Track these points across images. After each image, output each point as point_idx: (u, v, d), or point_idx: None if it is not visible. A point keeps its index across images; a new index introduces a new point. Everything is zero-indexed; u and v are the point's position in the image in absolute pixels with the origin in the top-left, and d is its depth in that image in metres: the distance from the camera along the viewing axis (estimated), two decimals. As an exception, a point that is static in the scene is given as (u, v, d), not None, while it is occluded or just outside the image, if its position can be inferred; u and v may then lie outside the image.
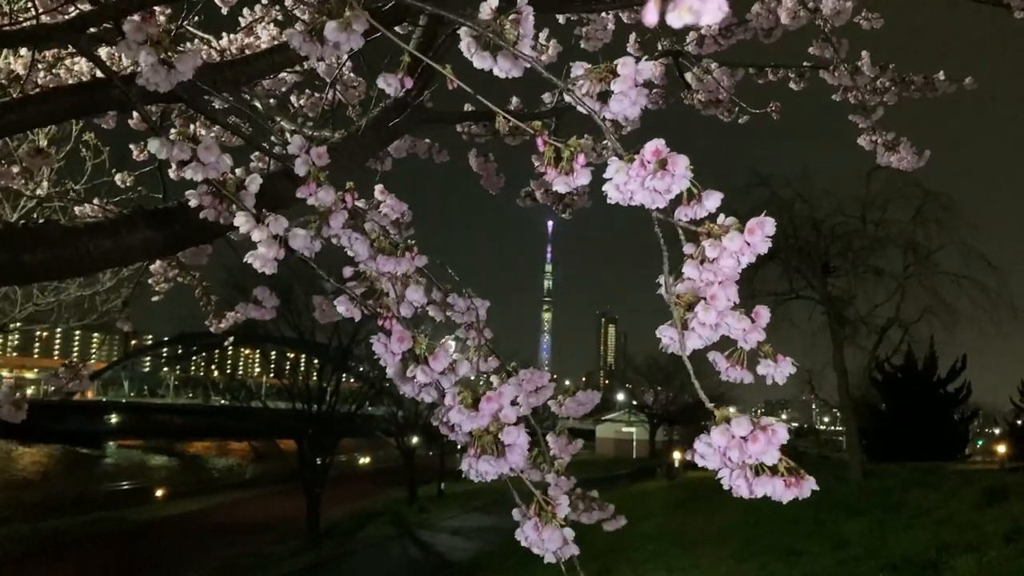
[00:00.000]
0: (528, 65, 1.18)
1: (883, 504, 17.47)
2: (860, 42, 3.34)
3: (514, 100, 3.45)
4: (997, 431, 57.47)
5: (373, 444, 46.15)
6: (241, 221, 1.32)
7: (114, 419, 75.89)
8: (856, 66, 3.26)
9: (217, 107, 2.90)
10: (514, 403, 1.80)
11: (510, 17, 1.20)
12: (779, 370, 1.17)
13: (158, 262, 3.05)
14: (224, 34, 3.43)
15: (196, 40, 3.39)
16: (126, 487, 39.48)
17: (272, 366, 36.40)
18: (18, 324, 8.58)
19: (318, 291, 1.72)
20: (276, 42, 3.17)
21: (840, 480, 22.91)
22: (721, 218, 1.12)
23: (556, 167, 1.13)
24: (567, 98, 1.16)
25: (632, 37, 3.56)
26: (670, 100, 3.69)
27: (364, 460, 50.82)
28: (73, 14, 1.93)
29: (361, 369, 30.80)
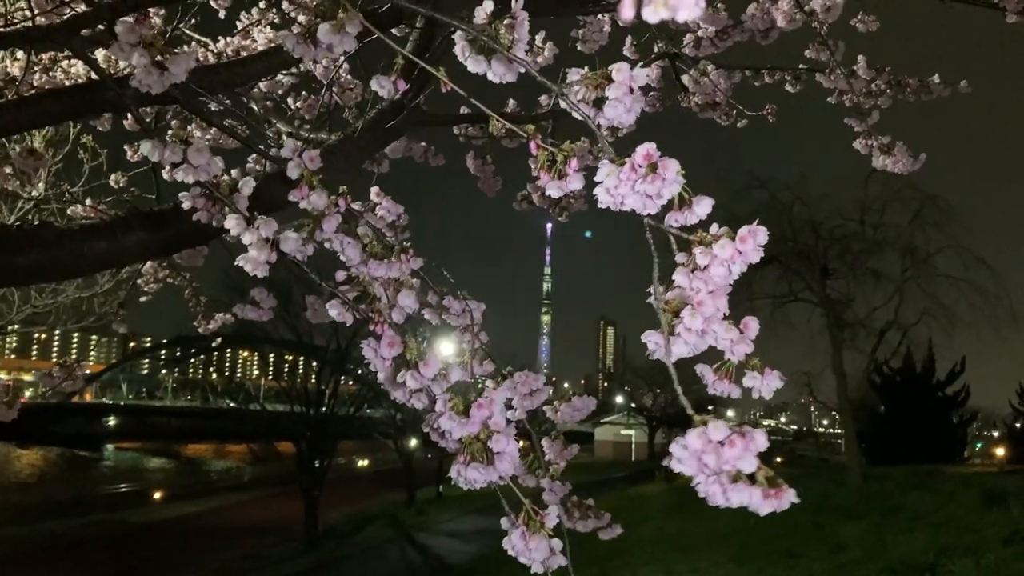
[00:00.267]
0: (522, 70, 1.18)
1: (881, 507, 17.46)
2: (856, 45, 3.35)
3: (511, 103, 3.45)
4: (996, 434, 57.49)
5: (372, 447, 46.12)
6: (232, 224, 1.32)
7: (112, 421, 75.88)
8: (852, 69, 3.26)
9: (213, 109, 2.91)
10: (509, 407, 1.80)
11: (505, 21, 1.20)
12: (766, 384, 1.16)
13: (149, 263, 3.05)
14: (220, 37, 3.43)
15: (192, 43, 3.40)
16: (124, 489, 39.46)
17: (270, 368, 36.38)
18: (16, 326, 8.55)
19: (315, 293, 1.72)
20: (272, 44, 3.17)
21: (839, 483, 22.90)
22: (715, 227, 1.11)
23: (549, 171, 1.12)
24: (562, 102, 1.16)
25: (628, 40, 3.57)
26: (667, 103, 3.69)
27: (363, 463, 50.80)
28: (67, 16, 1.93)
29: (359, 372, 30.76)
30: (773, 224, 26.47)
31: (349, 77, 3.22)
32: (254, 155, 3.01)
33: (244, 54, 3.39)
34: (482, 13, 1.19)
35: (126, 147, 3.37)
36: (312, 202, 1.35)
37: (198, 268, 2.88)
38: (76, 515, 29.02)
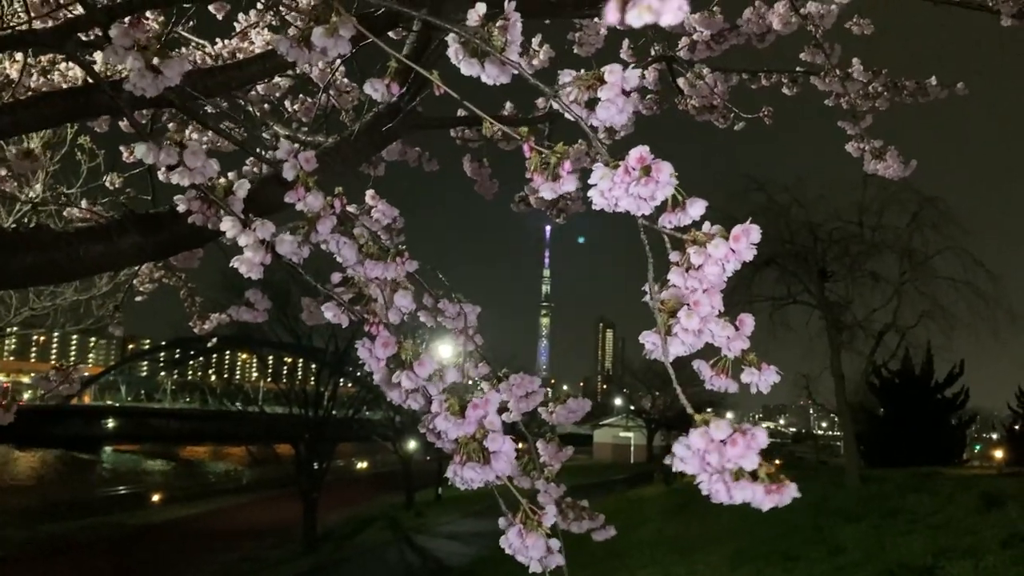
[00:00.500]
0: (516, 72, 1.18)
1: (880, 509, 17.46)
2: (853, 48, 3.35)
3: (508, 105, 3.46)
4: (995, 436, 57.55)
5: (371, 449, 46.10)
6: (228, 226, 1.32)
7: (111, 424, 75.91)
8: (847, 72, 3.27)
9: (210, 111, 2.91)
10: (504, 410, 1.80)
11: (498, 24, 1.20)
12: (763, 379, 1.17)
13: (145, 264, 3.05)
14: (218, 39, 3.43)
15: (191, 45, 3.40)
16: (122, 492, 39.46)
17: (269, 371, 36.39)
18: (15, 329, 8.55)
19: (311, 295, 1.72)
20: (269, 47, 3.18)
21: (837, 485, 22.90)
22: (707, 226, 1.12)
23: (543, 174, 1.13)
24: (555, 104, 1.16)
25: (625, 43, 3.57)
26: (664, 106, 3.70)
27: (362, 465, 50.78)
28: (61, 20, 1.93)
29: (358, 374, 30.75)
30: (771, 226, 26.51)
31: (346, 80, 3.22)
32: (251, 158, 3.02)
33: (241, 56, 3.40)
34: (475, 16, 1.20)
35: (123, 148, 3.37)
36: (308, 204, 1.35)
37: (195, 269, 2.88)
38: (74, 517, 29.01)
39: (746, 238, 1.08)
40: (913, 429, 31.10)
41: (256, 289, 1.84)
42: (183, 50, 3.42)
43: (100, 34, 1.34)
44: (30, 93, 2.84)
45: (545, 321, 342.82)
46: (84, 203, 3.49)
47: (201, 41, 3.41)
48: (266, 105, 3.40)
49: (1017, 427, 35.76)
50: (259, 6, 3.44)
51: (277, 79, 3.38)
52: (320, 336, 28.36)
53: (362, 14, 2.12)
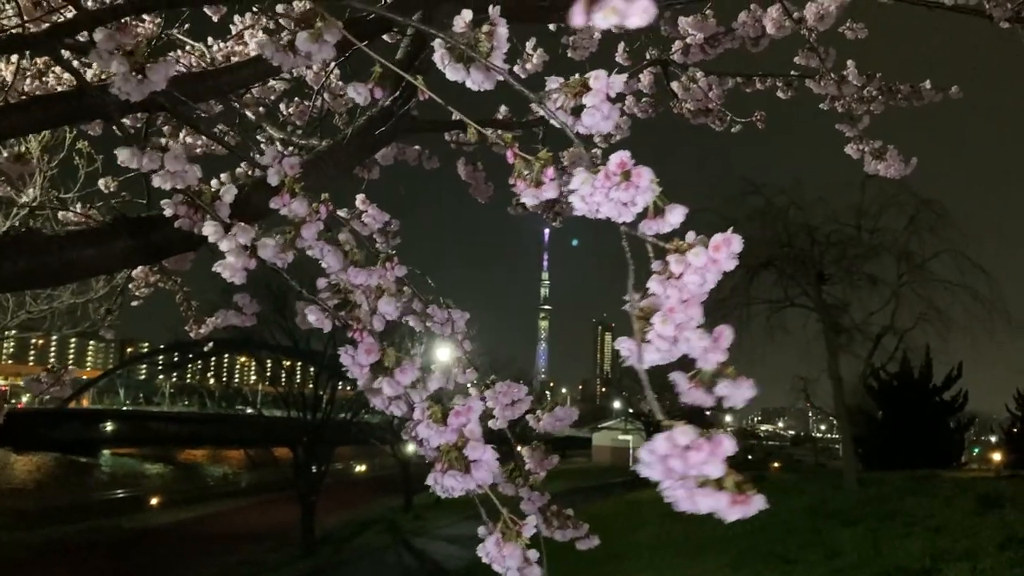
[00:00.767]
0: (500, 78, 1.18)
1: (878, 512, 17.46)
2: (849, 51, 3.35)
3: (503, 109, 3.46)
4: (994, 439, 57.52)
5: (369, 452, 46.09)
6: (210, 231, 1.32)
7: (109, 427, 75.78)
8: (842, 75, 3.27)
9: (205, 115, 2.91)
10: (490, 417, 1.80)
11: (484, 29, 1.20)
12: (738, 392, 1.15)
13: (139, 267, 3.05)
14: (214, 42, 3.43)
15: (187, 47, 3.40)
16: (121, 495, 39.40)
17: (267, 374, 36.35)
18: (13, 332, 8.55)
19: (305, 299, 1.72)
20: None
21: (835, 488, 22.90)
22: (691, 235, 1.11)
23: (526, 180, 1.13)
24: (540, 110, 1.16)
25: (620, 46, 3.57)
26: (659, 109, 3.70)
27: (360, 468, 50.77)
28: (49, 24, 1.93)
29: (357, 377, 30.64)
30: (768, 229, 26.59)
31: (340, 83, 3.22)
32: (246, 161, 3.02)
33: (236, 59, 3.39)
34: (461, 22, 1.20)
35: (117, 151, 3.36)
36: (293, 209, 1.35)
37: (192, 272, 2.88)
38: (73, 521, 28.97)
39: (727, 248, 1.07)
40: (911, 432, 31.09)
41: (245, 293, 1.84)
42: (177, 52, 3.42)
43: (87, 38, 1.34)
44: (23, 96, 2.84)
45: (544, 324, 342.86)
46: (79, 207, 3.49)
47: (196, 44, 3.41)
48: (261, 108, 3.40)
49: (1015, 430, 35.75)
50: (255, 9, 3.44)
51: (272, 82, 3.38)
52: (318, 339, 28.36)
53: (354, 18, 2.12)
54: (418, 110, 2.74)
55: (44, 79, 3.07)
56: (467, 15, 1.20)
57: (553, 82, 1.17)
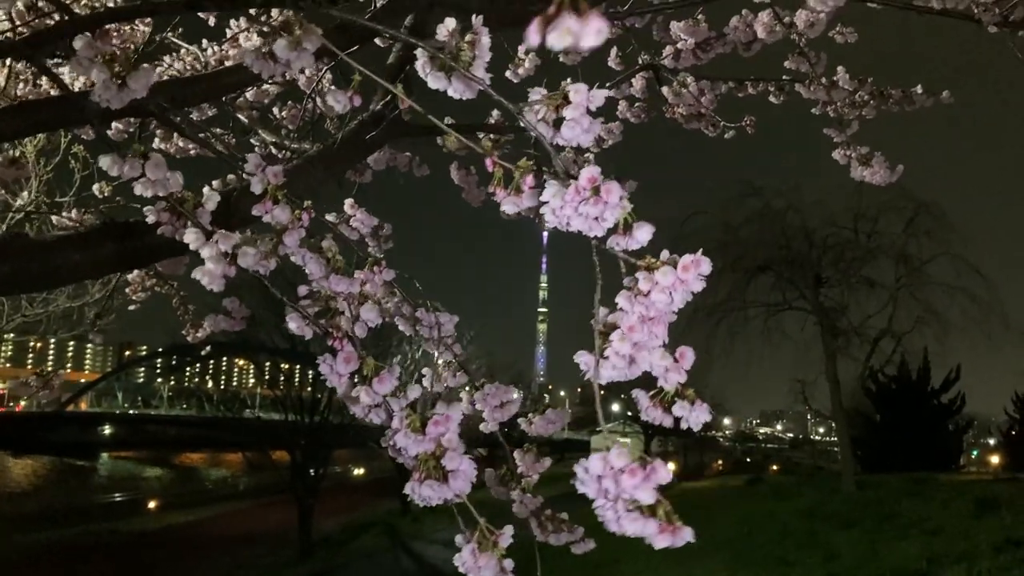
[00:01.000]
0: (481, 87, 1.19)
1: (875, 515, 17.46)
2: (843, 55, 3.36)
3: (495, 113, 3.46)
4: (992, 442, 57.54)
5: (367, 455, 46.06)
6: (191, 238, 1.32)
7: (107, 430, 75.57)
8: (832, 80, 3.28)
9: (197, 119, 2.92)
10: (481, 420, 1.80)
11: (467, 38, 1.20)
12: (695, 415, 1.16)
13: (135, 272, 3.05)
14: (208, 45, 3.43)
15: (182, 51, 3.41)
16: (119, 498, 39.35)
17: (266, 377, 36.36)
18: (11, 335, 8.56)
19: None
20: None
21: (833, 491, 22.88)
22: (665, 253, 1.11)
23: (505, 188, 1.13)
24: (520, 121, 1.16)
25: (614, 51, 3.58)
26: (652, 114, 3.71)
27: (358, 471, 50.73)
28: (30, 31, 1.94)
29: (354, 380, 30.60)
30: (767, 232, 26.59)
31: (333, 87, 3.23)
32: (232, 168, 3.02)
33: (230, 63, 3.40)
34: (444, 30, 1.20)
35: (99, 159, 3.35)
36: (275, 216, 1.35)
37: (188, 276, 2.88)
38: (71, 524, 28.97)
39: (695, 269, 1.07)
40: (910, 434, 31.06)
41: (234, 298, 1.85)
42: (173, 56, 3.43)
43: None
44: (15, 101, 2.85)
45: (542, 327, 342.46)
46: (74, 212, 3.49)
47: (191, 47, 3.42)
48: (254, 112, 3.40)
49: (1014, 432, 35.75)
50: (251, 11, 3.44)
51: (266, 86, 3.38)
52: (317, 343, 28.32)
53: (343, 24, 2.12)
54: (410, 114, 2.75)
55: (38, 83, 3.08)
56: (451, 23, 1.21)
57: (535, 93, 1.17)
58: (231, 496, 41.04)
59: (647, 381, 1.16)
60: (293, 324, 1.40)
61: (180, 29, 3.41)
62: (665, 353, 1.10)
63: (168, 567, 22.97)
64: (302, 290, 1.45)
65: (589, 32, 0.70)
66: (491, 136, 3.06)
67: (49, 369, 2.56)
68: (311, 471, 27.26)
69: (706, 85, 3.49)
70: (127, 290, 3.34)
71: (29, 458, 58.14)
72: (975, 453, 55.00)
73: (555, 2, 0.71)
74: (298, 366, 34.37)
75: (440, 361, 1.86)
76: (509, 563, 1.22)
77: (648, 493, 0.93)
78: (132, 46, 2.88)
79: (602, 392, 1.11)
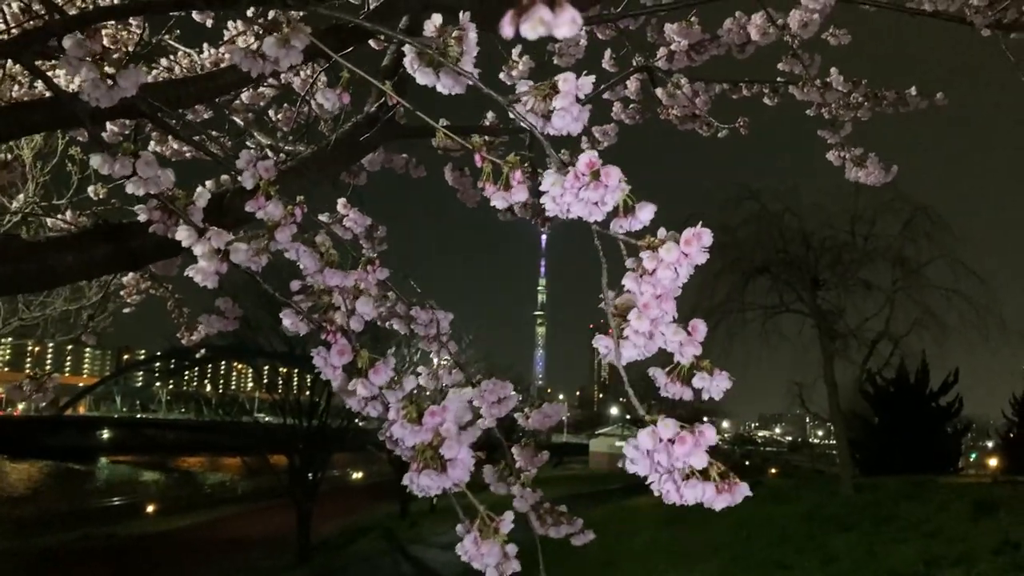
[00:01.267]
0: (469, 83, 1.19)
1: (873, 518, 17.46)
2: (837, 57, 3.37)
3: (489, 115, 3.47)
4: (990, 444, 57.54)
5: (366, 459, 46.00)
6: (183, 236, 1.33)
7: (106, 434, 75.50)
8: (826, 82, 3.29)
9: (192, 121, 2.92)
10: (478, 416, 1.81)
11: (454, 34, 1.21)
12: (715, 384, 1.17)
13: (130, 274, 3.05)
14: (205, 48, 3.44)
15: (179, 52, 3.41)
16: (118, 502, 39.22)
17: (264, 381, 36.29)
18: (9, 339, 8.55)
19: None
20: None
21: (831, 494, 22.89)
22: (662, 231, 1.12)
23: (494, 183, 1.14)
24: (510, 113, 1.17)
25: (608, 53, 3.59)
26: (647, 115, 3.72)
27: (357, 475, 50.66)
28: (18, 32, 1.94)
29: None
30: (764, 234, 26.60)
31: (328, 89, 3.23)
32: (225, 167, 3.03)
33: (224, 64, 3.40)
34: (431, 26, 1.21)
35: (91, 158, 3.36)
36: (268, 212, 1.36)
37: (183, 278, 2.88)
38: (69, 528, 28.88)
39: (698, 242, 1.09)
40: (908, 437, 31.05)
41: (227, 298, 1.85)
42: (170, 58, 3.43)
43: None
44: (10, 102, 2.86)
45: (541, 331, 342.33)
46: (69, 214, 3.49)
47: (187, 49, 3.42)
48: (250, 115, 3.41)
49: (1012, 435, 35.74)
50: (249, 12, 3.44)
51: (262, 89, 3.39)
52: (314, 345, 28.23)
53: (336, 25, 2.13)
54: (405, 116, 2.76)
55: (34, 86, 3.08)
56: (437, 19, 1.21)
57: (523, 85, 1.18)
58: (229, 500, 40.90)
59: (646, 381, 1.18)
60: (287, 320, 1.41)
61: (177, 32, 3.42)
62: (679, 328, 1.11)
63: (166, 571, 22.92)
64: (295, 285, 1.45)
65: (562, 22, 0.70)
66: (485, 137, 3.07)
67: (39, 373, 2.55)
68: (309, 475, 27.21)
69: (700, 87, 3.50)
70: (122, 292, 3.35)
71: (27, 462, 58.08)
72: (973, 456, 54.98)
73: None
74: (296, 370, 34.34)
75: (436, 360, 1.87)
76: (512, 548, 1.23)
77: (701, 457, 0.94)
78: (125, 47, 2.89)
79: (623, 377, 1.12)
